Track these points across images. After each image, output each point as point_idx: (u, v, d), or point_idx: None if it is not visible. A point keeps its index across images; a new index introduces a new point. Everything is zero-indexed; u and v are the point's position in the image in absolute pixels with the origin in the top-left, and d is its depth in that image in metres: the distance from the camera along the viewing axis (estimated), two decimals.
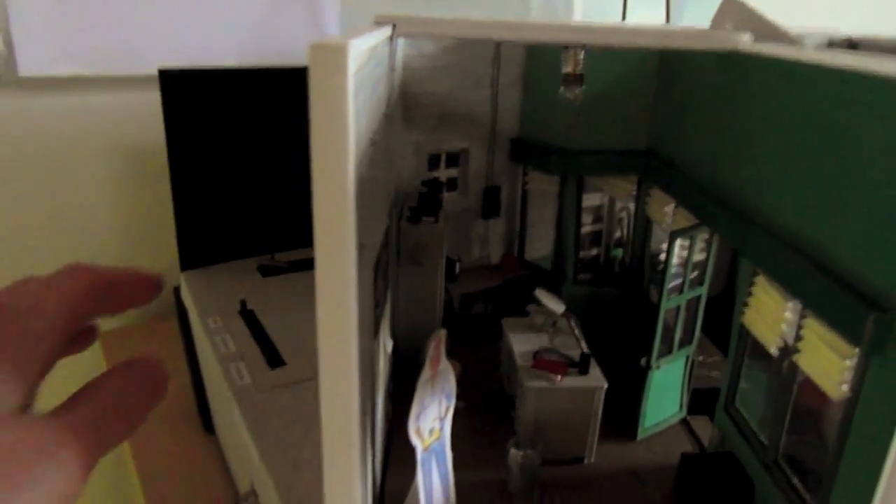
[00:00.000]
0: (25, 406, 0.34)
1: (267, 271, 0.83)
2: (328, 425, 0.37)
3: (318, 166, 0.32)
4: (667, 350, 0.64)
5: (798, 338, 0.48)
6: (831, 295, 0.42)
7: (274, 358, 0.63)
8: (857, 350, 0.41)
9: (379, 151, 0.49)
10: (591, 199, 0.85)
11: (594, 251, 0.90)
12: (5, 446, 0.30)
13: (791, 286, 0.48)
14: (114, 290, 0.46)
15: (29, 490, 0.30)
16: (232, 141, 0.82)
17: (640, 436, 0.65)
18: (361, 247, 0.39)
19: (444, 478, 0.54)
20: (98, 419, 0.36)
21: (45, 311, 0.37)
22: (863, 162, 0.41)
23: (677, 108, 0.69)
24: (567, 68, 0.59)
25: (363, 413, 0.42)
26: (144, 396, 0.40)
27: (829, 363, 0.44)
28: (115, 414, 0.37)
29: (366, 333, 0.45)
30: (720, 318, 0.67)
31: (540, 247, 0.90)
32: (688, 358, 0.67)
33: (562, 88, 0.61)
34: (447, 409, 0.53)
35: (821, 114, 0.45)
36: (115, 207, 1.04)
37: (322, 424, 0.38)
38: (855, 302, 0.40)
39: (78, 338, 0.44)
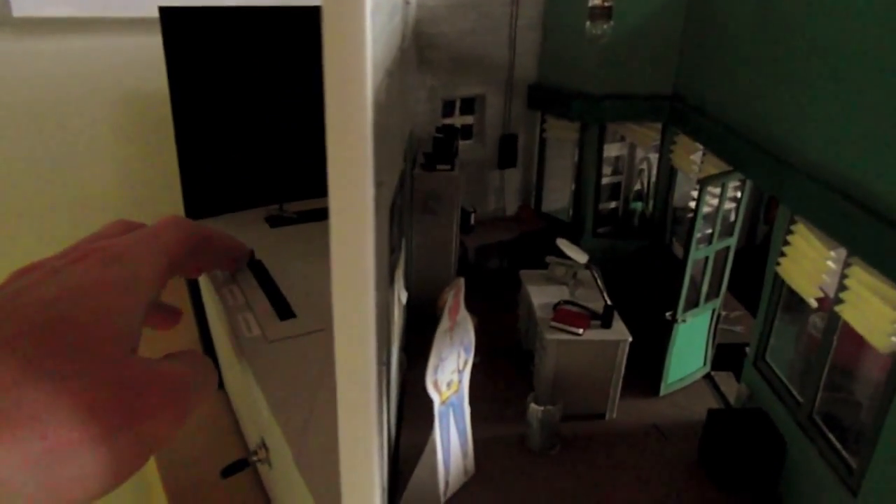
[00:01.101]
0: (133, 349, 0.37)
1: (275, 222, 0.80)
2: (343, 378, 0.35)
3: (333, 90, 0.29)
4: (693, 303, 0.61)
5: (841, 288, 0.45)
6: (882, 239, 0.39)
7: (284, 309, 0.61)
8: None
9: (394, 86, 0.46)
10: (609, 150, 0.82)
11: (613, 204, 0.87)
12: (127, 375, 0.35)
13: (836, 232, 0.45)
14: (208, 246, 0.52)
15: (138, 422, 0.34)
16: (238, 85, 0.78)
17: (663, 391, 0.63)
18: (379, 184, 0.36)
19: (461, 433, 0.52)
20: (189, 380, 0.39)
21: (147, 259, 0.42)
22: None
23: (709, 46, 0.65)
24: (595, 1, 0.55)
25: (379, 363, 0.40)
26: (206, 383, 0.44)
27: (877, 314, 0.41)
28: (194, 383, 0.40)
29: (382, 280, 0.42)
30: (741, 273, 0.64)
31: (558, 198, 0.87)
32: (714, 311, 0.64)
33: (588, 24, 0.57)
34: (466, 362, 0.51)
35: (870, 40, 0.41)
36: (116, 156, 1.01)
37: (337, 377, 0.35)
38: None
39: (165, 315, 0.49)
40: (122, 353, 0.36)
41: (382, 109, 0.37)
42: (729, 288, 0.65)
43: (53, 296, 0.35)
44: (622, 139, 0.82)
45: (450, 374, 0.49)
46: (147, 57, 0.84)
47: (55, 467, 0.31)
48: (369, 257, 0.32)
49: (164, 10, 0.70)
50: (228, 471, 0.47)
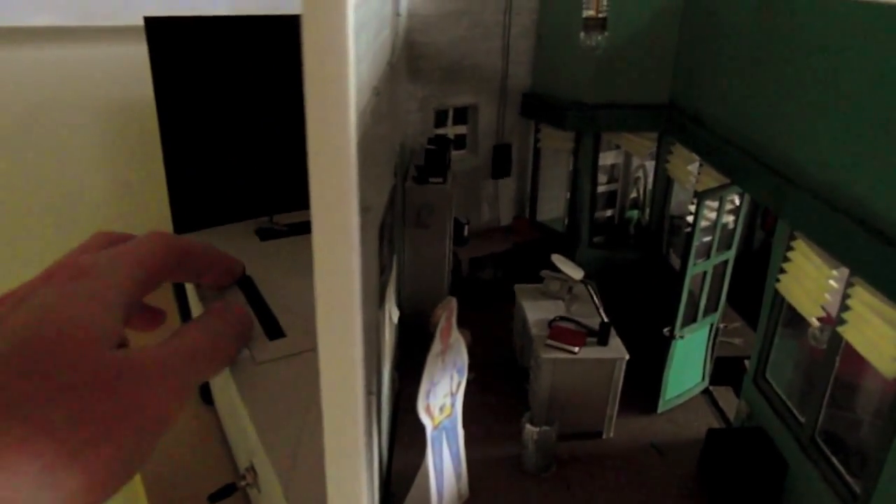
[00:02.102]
0: (122, 344, 0.41)
1: (266, 235, 0.79)
2: (330, 411, 0.34)
3: (315, 116, 0.28)
4: (691, 318, 0.60)
5: (844, 308, 0.43)
6: (887, 261, 0.38)
7: (273, 328, 0.59)
8: None
9: (383, 103, 0.44)
10: (604, 158, 0.80)
11: (608, 212, 0.86)
12: (112, 371, 0.36)
13: (837, 251, 0.43)
14: (189, 259, 0.54)
15: (134, 411, 0.36)
16: (226, 95, 0.77)
17: (661, 408, 0.62)
18: (365, 210, 0.35)
19: (455, 456, 0.51)
20: (191, 353, 0.43)
21: (120, 268, 0.43)
22: None
23: (705, 56, 0.64)
24: (589, 11, 0.53)
25: (368, 393, 0.38)
26: (233, 336, 0.50)
27: (881, 337, 0.39)
28: (206, 350, 0.45)
29: (370, 304, 0.40)
30: (739, 282, 0.63)
31: (552, 208, 0.85)
32: (712, 326, 0.63)
33: (582, 35, 0.56)
34: (459, 385, 0.50)
35: (873, 55, 0.40)
36: (102, 168, 0.99)
37: (323, 409, 0.34)
38: None
39: (149, 317, 0.51)
40: (99, 354, 0.37)
41: (369, 131, 0.36)
42: (727, 299, 0.64)
43: (21, 323, 0.36)
44: (618, 147, 0.81)
45: (442, 398, 0.47)
46: (132, 66, 0.82)
47: (58, 479, 0.32)
48: (355, 292, 0.30)
49: (149, 21, 0.68)
50: (216, 496, 0.46)
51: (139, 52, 0.71)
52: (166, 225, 0.80)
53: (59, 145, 0.96)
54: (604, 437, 0.59)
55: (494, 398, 0.63)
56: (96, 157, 0.99)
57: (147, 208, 1.02)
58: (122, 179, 1.01)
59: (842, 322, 0.43)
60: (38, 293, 0.39)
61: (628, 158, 0.83)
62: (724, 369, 0.66)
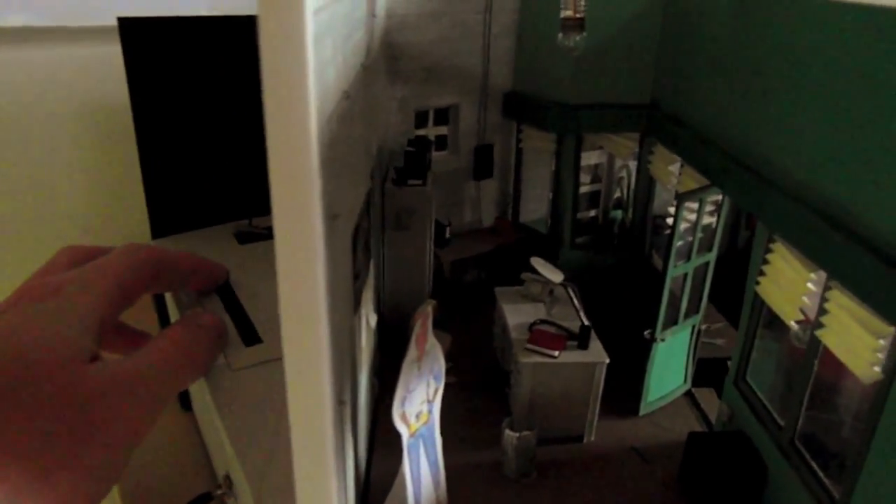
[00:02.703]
0: (95, 358, 0.39)
1: (244, 238, 0.78)
2: (297, 421, 0.33)
3: (274, 125, 0.27)
4: (672, 321, 0.60)
5: (822, 311, 0.43)
6: (864, 265, 0.38)
7: (249, 334, 0.59)
8: (892, 328, 0.37)
9: (356, 106, 0.43)
10: (588, 158, 0.80)
11: (592, 212, 0.85)
12: (79, 389, 0.35)
13: (815, 254, 0.43)
14: (166, 270, 0.52)
15: (104, 428, 0.35)
16: (203, 96, 0.75)
17: (642, 411, 0.61)
18: (334, 217, 0.34)
19: (433, 464, 0.50)
20: (162, 365, 0.42)
21: (90, 285, 0.43)
22: None
23: (685, 56, 0.63)
24: (567, 12, 0.53)
25: (339, 402, 0.38)
26: (206, 345, 0.49)
27: (858, 341, 0.39)
28: (179, 361, 0.44)
29: (342, 311, 0.40)
30: (722, 282, 0.63)
31: (535, 209, 0.85)
32: (694, 328, 0.62)
33: (560, 35, 0.55)
34: (436, 391, 0.49)
35: (851, 57, 0.40)
36: (77, 171, 0.98)
37: (291, 419, 0.33)
38: (891, 273, 0.36)
39: (130, 339, 0.51)
40: (65, 374, 0.36)
41: (338, 136, 0.35)
42: (710, 298, 0.63)
43: None
44: (601, 147, 0.81)
45: (419, 405, 0.47)
46: (109, 67, 0.81)
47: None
48: (320, 301, 0.30)
49: (123, 21, 0.67)
50: None
51: (115, 53, 0.70)
52: (144, 228, 0.78)
53: (33, 148, 0.95)
54: (585, 441, 0.58)
55: (475, 402, 0.62)
56: (72, 159, 0.98)
57: (125, 211, 1.01)
58: (98, 182, 1.00)
59: (820, 326, 0.43)
60: (2, 317, 0.38)
61: (612, 158, 0.83)
62: (706, 370, 0.66)
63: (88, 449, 0.34)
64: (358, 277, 0.47)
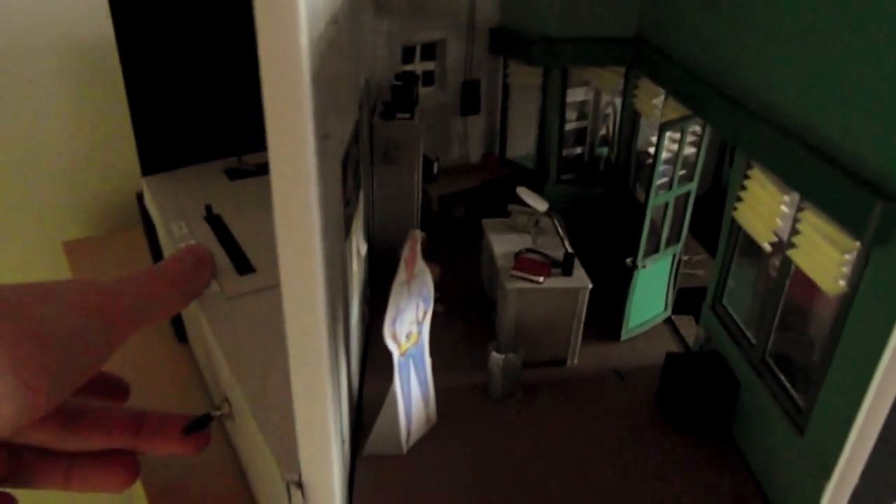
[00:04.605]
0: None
1: (234, 174, 0.78)
2: (294, 338, 0.35)
3: (266, 39, 0.28)
4: (653, 249, 0.62)
5: (794, 232, 0.45)
6: (833, 184, 0.39)
7: (243, 264, 0.60)
8: (857, 244, 0.39)
9: (343, 33, 0.44)
10: (575, 95, 0.80)
11: (578, 150, 0.86)
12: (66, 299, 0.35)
13: (789, 177, 0.45)
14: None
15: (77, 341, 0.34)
16: (191, 31, 0.75)
17: (624, 336, 0.64)
18: (325, 136, 0.35)
19: (422, 383, 0.52)
20: (142, 291, 0.41)
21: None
22: (872, 37, 0.37)
23: None
24: None
25: (333, 319, 0.39)
26: (189, 272, 0.48)
27: (826, 257, 0.41)
28: (160, 286, 0.43)
29: (334, 234, 0.41)
30: (705, 217, 0.64)
31: (521, 145, 0.86)
32: (674, 257, 0.64)
33: None
34: (425, 313, 0.51)
35: None
36: (66, 109, 0.98)
37: (287, 334, 0.35)
38: (859, 190, 0.37)
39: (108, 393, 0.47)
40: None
41: (324, 60, 0.36)
42: (693, 232, 0.65)
43: None
44: (587, 84, 0.81)
45: (408, 325, 0.49)
46: (93, 3, 0.80)
47: None
48: (314, 212, 0.31)
49: None
50: (191, 427, 0.47)
51: None
52: (133, 167, 0.79)
53: (18, 88, 0.94)
54: (568, 364, 0.61)
55: (462, 329, 0.65)
56: (59, 99, 0.97)
57: (113, 151, 1.01)
58: (85, 120, 1.00)
59: (791, 246, 0.45)
60: None
61: (598, 95, 0.83)
62: (686, 300, 0.68)
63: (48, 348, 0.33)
64: (348, 204, 0.48)
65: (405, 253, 0.47)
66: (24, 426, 0.32)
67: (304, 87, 0.29)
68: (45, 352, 0.32)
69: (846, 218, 0.39)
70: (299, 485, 0.40)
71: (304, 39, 0.28)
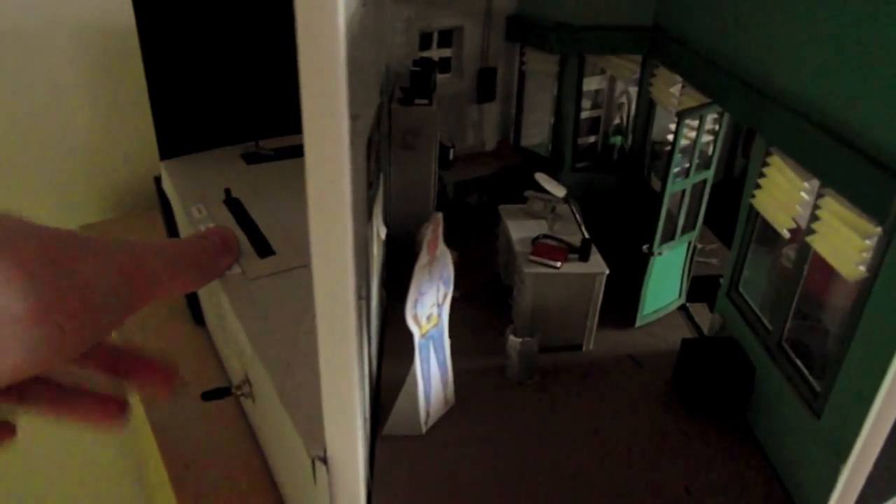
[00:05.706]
0: None
1: (252, 159, 0.79)
2: (323, 311, 0.35)
3: (306, 21, 0.29)
4: (669, 236, 0.62)
5: (814, 218, 0.45)
6: (854, 170, 0.40)
7: (263, 247, 0.61)
8: (878, 229, 0.39)
9: (369, 17, 0.44)
10: (589, 84, 0.81)
11: (592, 138, 0.86)
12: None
13: (810, 163, 0.45)
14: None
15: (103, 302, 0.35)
16: (210, 17, 0.75)
17: (639, 322, 0.64)
18: (355, 117, 0.36)
19: (441, 364, 0.53)
20: (166, 262, 0.41)
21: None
22: (892, 21, 0.38)
23: None
24: None
25: (358, 297, 0.40)
26: (213, 253, 0.48)
27: (847, 243, 0.42)
28: (184, 261, 0.43)
29: (360, 214, 0.42)
30: (719, 206, 0.65)
31: (537, 133, 0.86)
32: (690, 244, 0.65)
33: None
34: (445, 296, 0.52)
35: None
36: (84, 94, 0.98)
37: (316, 309, 0.36)
38: (881, 175, 0.38)
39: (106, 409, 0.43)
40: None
41: (356, 41, 0.36)
42: (705, 221, 0.65)
43: None
44: (602, 72, 0.81)
45: (429, 307, 0.49)
46: None
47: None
48: (346, 187, 0.32)
49: None
50: (209, 395, 0.48)
51: None
52: (152, 150, 0.79)
53: (39, 71, 0.95)
54: (584, 349, 0.62)
55: (479, 314, 0.65)
56: (79, 82, 0.98)
57: (132, 135, 1.02)
58: (104, 105, 1.00)
59: (811, 232, 0.46)
60: None
61: (613, 84, 0.83)
62: (700, 288, 0.68)
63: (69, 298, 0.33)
64: (371, 187, 0.49)
65: (427, 236, 0.48)
66: (47, 369, 0.33)
67: (340, 68, 0.29)
68: (86, 305, 0.34)
69: (867, 203, 0.39)
70: (324, 460, 0.41)
71: (341, 18, 0.28)
